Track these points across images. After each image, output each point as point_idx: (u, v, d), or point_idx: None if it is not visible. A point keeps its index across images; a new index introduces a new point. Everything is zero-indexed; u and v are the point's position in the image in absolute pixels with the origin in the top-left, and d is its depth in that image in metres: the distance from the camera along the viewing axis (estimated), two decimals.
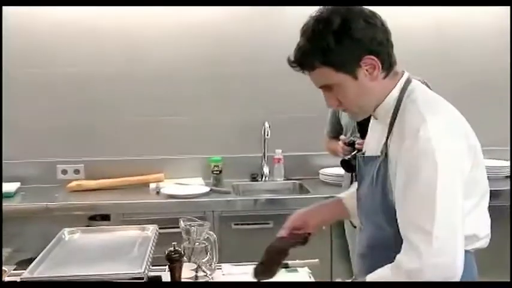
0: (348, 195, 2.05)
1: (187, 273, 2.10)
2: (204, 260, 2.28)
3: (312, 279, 2.22)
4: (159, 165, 4.05)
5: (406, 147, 1.58)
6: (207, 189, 3.73)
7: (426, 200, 1.54)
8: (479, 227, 1.71)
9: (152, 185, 3.84)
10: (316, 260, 2.37)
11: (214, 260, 2.31)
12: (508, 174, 3.96)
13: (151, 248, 2.13)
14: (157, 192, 3.76)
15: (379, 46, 1.66)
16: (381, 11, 1.71)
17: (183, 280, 2.00)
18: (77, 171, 4.06)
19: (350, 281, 1.83)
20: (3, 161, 3.76)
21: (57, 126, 4.02)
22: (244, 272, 2.30)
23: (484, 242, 1.73)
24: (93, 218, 3.61)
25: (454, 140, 1.60)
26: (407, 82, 1.73)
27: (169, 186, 3.79)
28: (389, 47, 1.70)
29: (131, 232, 2.37)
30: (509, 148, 3.92)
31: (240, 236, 3.53)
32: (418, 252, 1.52)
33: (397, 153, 1.62)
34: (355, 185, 1.95)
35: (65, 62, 3.97)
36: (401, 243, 1.59)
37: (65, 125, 4.02)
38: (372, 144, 1.82)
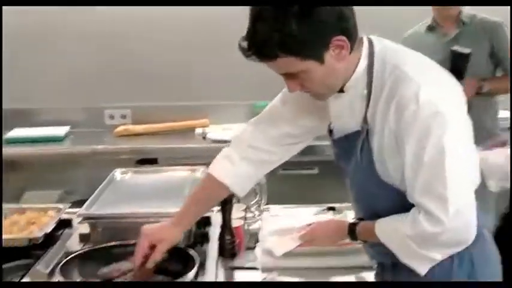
0: (222, 170, 1.85)
1: (236, 214, 2.13)
2: (252, 202, 2.32)
3: None
4: (204, 110, 4.08)
5: (409, 115, 1.47)
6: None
7: (438, 164, 1.47)
8: None
9: (198, 130, 3.88)
10: None
11: (263, 201, 2.34)
12: None
13: None
14: (203, 137, 3.80)
15: (347, 23, 1.49)
16: None
17: (234, 219, 2.03)
18: (123, 116, 4.11)
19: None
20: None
21: (105, 71, 4.05)
22: (291, 214, 2.34)
23: None
24: (140, 162, 3.68)
25: (453, 97, 1.54)
26: (371, 46, 1.57)
27: (215, 131, 3.82)
28: (354, 16, 1.52)
29: (181, 173, 2.42)
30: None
31: (286, 181, 3.55)
32: (437, 218, 1.47)
33: (392, 124, 1.50)
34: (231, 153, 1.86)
35: (110, 8, 3.97)
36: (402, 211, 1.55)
37: (113, 70, 4.06)
38: (343, 120, 1.65)
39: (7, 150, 3.67)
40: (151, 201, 2.08)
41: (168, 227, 1.76)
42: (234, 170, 1.81)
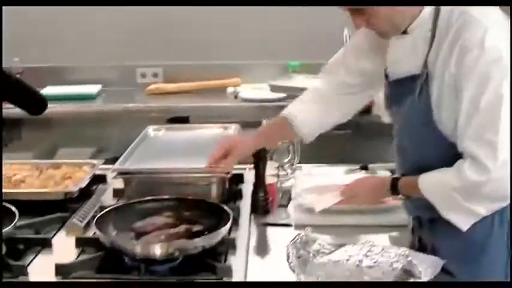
0: (293, 110, 2.00)
1: (269, 171, 2.13)
2: (286, 160, 2.31)
3: None
4: (236, 69, 4.05)
5: (471, 59, 1.48)
6: (284, 94, 3.72)
7: (494, 111, 1.47)
8: None
9: (229, 89, 3.86)
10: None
11: (296, 159, 2.33)
12: None
13: None
14: (235, 97, 3.79)
15: None
16: None
17: (267, 177, 2.03)
18: (155, 75, 4.11)
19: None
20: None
21: (138, 30, 4.04)
22: (324, 173, 2.33)
23: None
24: (171, 121, 3.69)
25: None
26: None
27: (247, 91, 3.81)
28: None
29: (213, 131, 2.41)
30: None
31: (319, 141, 3.50)
32: (484, 166, 1.47)
33: (453, 69, 1.51)
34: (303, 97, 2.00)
35: None
36: (446, 165, 1.55)
37: (145, 29, 4.04)
38: (402, 63, 1.66)
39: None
40: (184, 157, 2.08)
41: (242, 138, 1.94)
42: (304, 115, 1.95)
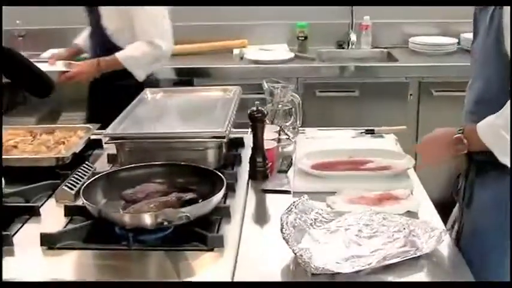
0: None
1: (270, 135, 2.04)
2: (287, 123, 2.22)
3: (398, 146, 2.13)
4: (242, 31, 3.95)
5: None
6: (292, 55, 3.62)
7: None
8: None
9: (236, 51, 3.76)
10: (404, 126, 2.26)
11: (298, 123, 2.24)
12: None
13: (233, 108, 2.08)
14: (241, 58, 3.69)
15: None
16: None
17: (266, 141, 1.94)
18: None
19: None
20: None
21: None
22: (328, 136, 2.24)
23: None
24: (176, 83, 3.61)
25: None
26: None
27: (253, 52, 3.71)
28: None
29: (213, 94, 2.32)
30: None
31: (324, 103, 3.45)
32: None
33: None
34: None
35: None
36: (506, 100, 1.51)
37: None
38: None
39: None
40: (180, 122, 2.01)
41: None
42: None
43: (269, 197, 1.81)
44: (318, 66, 3.53)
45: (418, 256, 1.40)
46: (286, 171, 1.95)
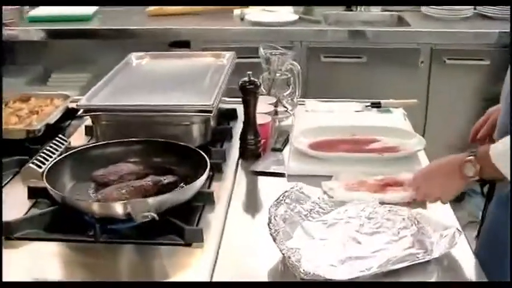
0: None
1: (265, 107, 1.84)
2: (285, 93, 2.01)
3: (407, 122, 1.91)
4: None
5: None
6: (296, 17, 3.38)
7: None
8: None
9: (236, 11, 3.52)
10: (414, 100, 2.04)
11: (297, 94, 2.03)
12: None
13: (225, 77, 1.87)
14: (242, 19, 3.45)
15: None
16: None
17: (260, 114, 1.73)
18: None
19: None
20: None
21: None
22: (330, 110, 2.02)
23: None
24: (173, 45, 3.40)
25: None
26: None
27: (255, 13, 3.47)
28: None
29: (204, 59, 2.10)
30: None
31: (329, 69, 3.23)
32: None
33: None
34: None
35: None
36: None
37: None
38: None
39: (31, 30, 3.42)
40: (165, 92, 1.79)
41: None
42: None
43: (261, 179, 1.61)
44: (324, 29, 3.28)
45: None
46: (281, 150, 1.75)
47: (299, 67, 2.00)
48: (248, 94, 1.65)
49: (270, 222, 1.24)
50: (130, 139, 1.57)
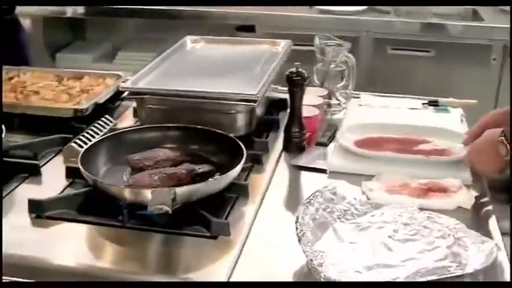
0: None
1: (314, 100, 1.78)
2: (338, 85, 1.95)
3: (464, 124, 1.81)
4: None
5: None
6: (364, 6, 3.28)
7: None
8: None
9: None
10: (474, 101, 1.94)
11: (350, 87, 1.96)
12: None
13: (276, 66, 1.82)
14: (310, 6, 3.38)
15: None
16: None
17: (307, 107, 1.68)
18: None
19: None
20: None
21: None
22: (385, 105, 1.94)
23: None
24: (239, 29, 3.37)
25: None
26: None
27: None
28: None
29: (259, 47, 2.06)
30: None
31: (395, 62, 3.13)
32: None
33: None
34: None
35: None
36: None
37: None
38: None
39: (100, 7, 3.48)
40: (213, 78, 1.76)
41: None
42: None
43: (301, 174, 1.56)
44: (393, 20, 3.18)
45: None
46: (326, 145, 1.69)
47: (354, 60, 1.93)
48: (294, 85, 1.60)
49: (297, 221, 1.19)
50: (168, 124, 1.55)
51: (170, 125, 1.55)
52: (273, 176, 1.54)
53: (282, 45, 2.03)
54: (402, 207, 1.29)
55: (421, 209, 1.30)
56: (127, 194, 1.28)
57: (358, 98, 2.00)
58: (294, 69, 1.61)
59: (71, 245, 1.26)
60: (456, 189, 1.40)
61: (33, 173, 1.52)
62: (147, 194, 1.24)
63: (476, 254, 1.15)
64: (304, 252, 1.13)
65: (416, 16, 3.36)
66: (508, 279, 1.14)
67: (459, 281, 1.11)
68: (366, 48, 3.10)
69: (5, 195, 1.42)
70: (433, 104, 1.93)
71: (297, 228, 1.18)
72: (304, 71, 1.61)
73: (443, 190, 1.40)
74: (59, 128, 1.71)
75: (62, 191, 1.43)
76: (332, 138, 1.72)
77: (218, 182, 1.33)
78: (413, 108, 1.91)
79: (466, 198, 1.38)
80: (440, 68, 3.07)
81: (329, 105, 1.93)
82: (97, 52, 3.76)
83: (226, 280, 1.13)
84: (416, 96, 2.01)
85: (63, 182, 1.48)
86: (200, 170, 1.39)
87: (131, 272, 1.18)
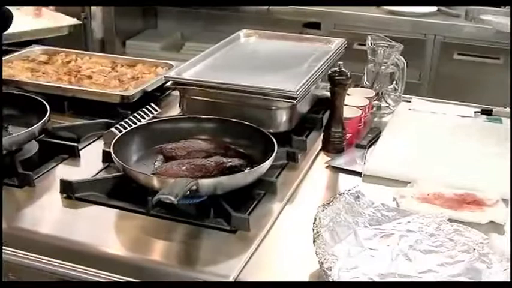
0: None
1: (360, 100, 1.75)
2: (388, 87, 1.91)
3: None
4: None
5: None
6: (434, 8, 3.20)
7: None
8: None
9: None
10: None
11: (400, 90, 1.91)
12: None
13: (324, 64, 1.80)
14: (378, 6, 3.32)
15: None
16: None
17: (349, 107, 1.65)
18: None
19: None
20: None
21: None
22: (434, 110, 1.89)
23: None
24: (306, 26, 3.36)
25: None
26: None
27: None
28: None
29: (312, 44, 2.03)
30: None
31: (461, 67, 3.03)
32: None
33: None
34: None
35: None
36: None
37: None
38: None
39: None
40: (258, 72, 1.75)
41: None
42: None
43: (335, 175, 1.54)
44: (462, 24, 3.08)
45: None
46: (365, 147, 1.65)
47: (405, 62, 1.88)
48: (336, 85, 1.58)
49: (314, 222, 1.17)
50: (203, 116, 1.56)
51: (205, 116, 1.55)
52: (307, 175, 1.52)
53: (335, 44, 2.00)
54: (430, 217, 1.25)
55: (451, 220, 1.26)
56: (153, 181, 1.29)
57: (409, 101, 1.95)
58: (336, 68, 1.58)
59: (94, 228, 1.28)
60: (492, 203, 1.35)
61: (72, 154, 1.55)
62: (166, 183, 1.25)
63: (498, 272, 1.10)
64: (316, 254, 1.11)
65: (487, 21, 3.24)
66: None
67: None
68: (431, 51, 3.02)
69: (42, 174, 1.46)
70: (487, 113, 1.85)
71: (313, 230, 1.16)
72: (347, 71, 1.58)
73: (478, 203, 1.35)
74: (105, 113, 1.75)
75: (95, 174, 1.46)
76: (373, 141, 1.68)
77: (244, 177, 1.33)
78: (462, 116, 1.84)
79: (500, 213, 1.32)
80: (507, 76, 2.94)
81: (379, 108, 1.89)
82: (166, 41, 3.82)
83: (234, 275, 1.12)
84: (473, 104, 1.94)
85: (100, 165, 1.51)
86: (229, 164, 1.39)
87: (149, 260, 1.19)
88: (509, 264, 1.11)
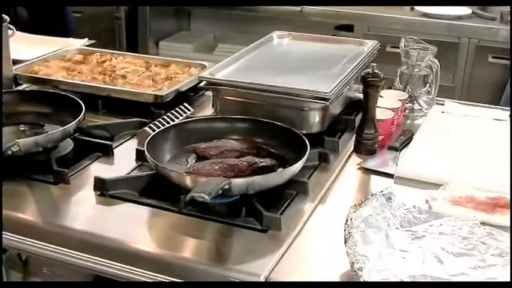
0: None
1: (393, 103, 1.74)
2: (421, 90, 1.90)
3: None
4: None
5: None
6: (469, 11, 3.17)
7: None
8: None
9: None
10: None
11: (433, 92, 1.90)
12: None
13: (357, 66, 1.79)
14: (411, 9, 3.30)
15: None
16: None
17: (382, 109, 1.65)
18: None
19: None
20: None
21: None
22: (467, 114, 1.87)
23: None
24: (338, 28, 3.36)
25: None
26: None
27: None
28: None
29: (345, 46, 2.03)
30: None
31: (495, 71, 3.00)
32: None
33: None
34: None
35: None
36: None
37: None
38: None
39: None
40: (291, 74, 1.75)
41: None
42: None
43: (367, 177, 1.53)
44: (497, 27, 3.05)
45: None
46: (398, 149, 1.64)
47: (438, 64, 1.87)
48: (369, 86, 1.57)
49: (345, 223, 1.17)
50: (236, 116, 1.57)
51: (237, 116, 1.56)
52: (339, 176, 1.52)
53: (368, 46, 2.00)
54: (463, 220, 1.24)
55: (484, 224, 1.25)
56: (185, 180, 1.31)
57: (442, 104, 1.94)
58: (370, 70, 1.58)
59: (127, 225, 1.30)
60: None
61: (106, 152, 1.57)
62: (196, 182, 1.26)
63: None
64: (347, 254, 1.11)
65: None
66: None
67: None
68: (465, 54, 2.99)
69: (77, 171, 1.48)
70: None
71: (344, 230, 1.16)
72: (380, 72, 1.57)
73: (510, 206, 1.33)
74: (139, 112, 1.77)
75: (129, 173, 1.48)
76: (405, 143, 1.67)
77: (276, 177, 1.33)
78: (496, 119, 1.82)
79: None
80: None
81: (411, 110, 1.88)
82: (198, 42, 3.85)
83: (265, 274, 1.13)
84: (507, 107, 1.92)
85: (133, 164, 1.53)
86: (261, 164, 1.40)
87: (180, 257, 1.20)
88: None
